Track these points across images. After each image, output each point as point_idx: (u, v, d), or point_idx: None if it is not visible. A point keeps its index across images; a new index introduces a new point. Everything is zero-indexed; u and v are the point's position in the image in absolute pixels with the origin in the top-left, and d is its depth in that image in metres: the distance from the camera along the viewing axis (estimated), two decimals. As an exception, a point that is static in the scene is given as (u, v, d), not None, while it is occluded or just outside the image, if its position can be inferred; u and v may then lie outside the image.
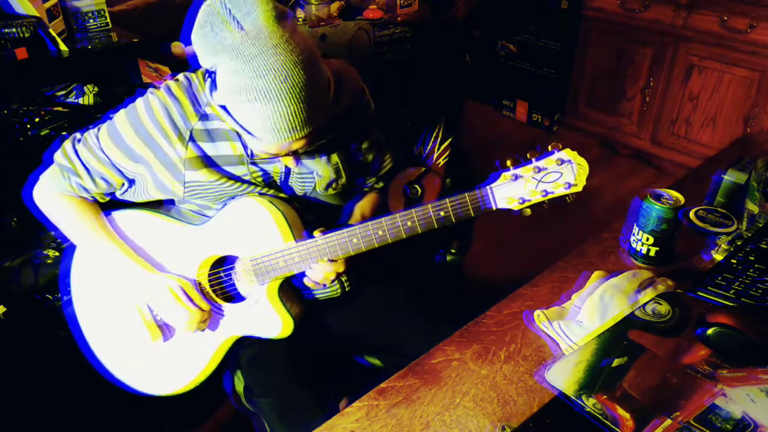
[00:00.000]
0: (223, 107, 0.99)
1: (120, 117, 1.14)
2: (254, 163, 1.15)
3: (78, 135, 1.19)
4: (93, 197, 1.22)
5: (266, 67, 0.91)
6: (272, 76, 0.91)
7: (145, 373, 1.29)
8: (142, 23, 2.10)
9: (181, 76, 1.14)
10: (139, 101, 1.13)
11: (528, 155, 1.02)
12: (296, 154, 1.09)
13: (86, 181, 1.18)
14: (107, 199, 1.24)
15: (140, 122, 1.11)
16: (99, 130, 1.16)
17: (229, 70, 0.93)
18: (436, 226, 1.07)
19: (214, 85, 1.00)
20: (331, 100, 1.03)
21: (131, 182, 1.20)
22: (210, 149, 1.13)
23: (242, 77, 0.92)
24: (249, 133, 0.99)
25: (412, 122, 1.73)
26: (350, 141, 1.23)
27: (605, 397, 0.85)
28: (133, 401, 1.33)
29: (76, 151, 1.17)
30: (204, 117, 1.12)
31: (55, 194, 1.22)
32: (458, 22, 3.56)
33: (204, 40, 0.95)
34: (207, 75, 1.03)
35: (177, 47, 2.05)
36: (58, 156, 1.19)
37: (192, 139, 1.11)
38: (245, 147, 1.13)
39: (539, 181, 1.02)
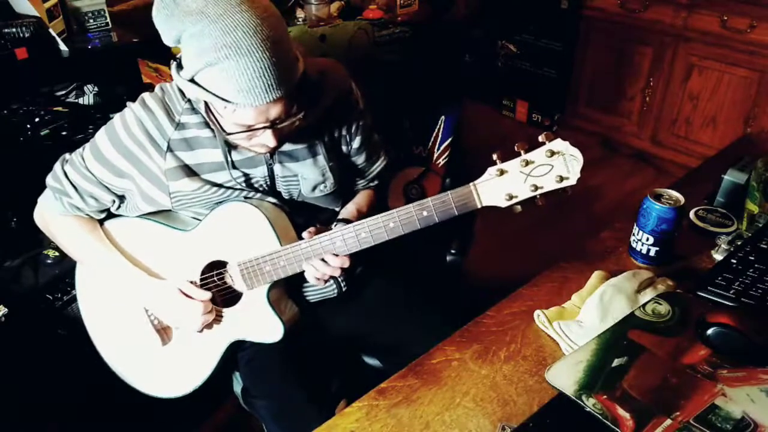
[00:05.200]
0: (192, 82, 0.97)
1: (100, 134, 1.14)
2: (236, 168, 1.14)
3: (66, 156, 1.20)
4: (87, 215, 1.23)
5: (234, 24, 0.90)
6: (241, 32, 0.90)
7: (145, 377, 1.30)
8: (142, 23, 2.10)
9: (156, 88, 1.14)
10: (116, 117, 1.13)
11: (516, 147, 0.97)
12: (274, 129, 1.02)
13: (77, 201, 1.18)
14: (102, 215, 1.24)
15: (118, 138, 1.11)
16: (84, 149, 1.17)
17: (196, 34, 0.92)
18: (420, 226, 1.03)
19: (179, 66, 0.99)
20: (303, 77, 1.01)
21: (122, 198, 1.20)
22: (189, 158, 1.12)
23: (210, 37, 0.91)
24: (223, 100, 0.95)
25: (412, 122, 1.73)
26: (338, 140, 1.22)
27: (605, 397, 0.85)
28: (133, 402, 1.33)
29: (65, 172, 1.17)
30: (180, 126, 1.11)
31: (51, 215, 1.23)
32: (458, 22, 3.56)
33: (166, 12, 0.94)
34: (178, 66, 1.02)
35: (177, 47, 2.04)
36: (49, 179, 1.20)
37: (170, 149, 1.11)
38: (225, 153, 1.11)
39: (528, 175, 0.96)
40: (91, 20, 1.93)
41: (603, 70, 3.22)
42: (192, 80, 0.97)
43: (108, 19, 1.96)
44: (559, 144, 0.95)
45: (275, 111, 0.99)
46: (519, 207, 0.99)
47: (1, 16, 1.70)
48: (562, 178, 0.96)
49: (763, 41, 2.63)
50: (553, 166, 0.95)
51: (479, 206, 1.00)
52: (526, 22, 3.41)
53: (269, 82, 0.93)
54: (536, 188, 0.97)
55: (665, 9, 2.87)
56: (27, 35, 1.67)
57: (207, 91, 0.96)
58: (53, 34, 1.77)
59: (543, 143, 0.96)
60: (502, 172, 0.97)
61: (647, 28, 2.96)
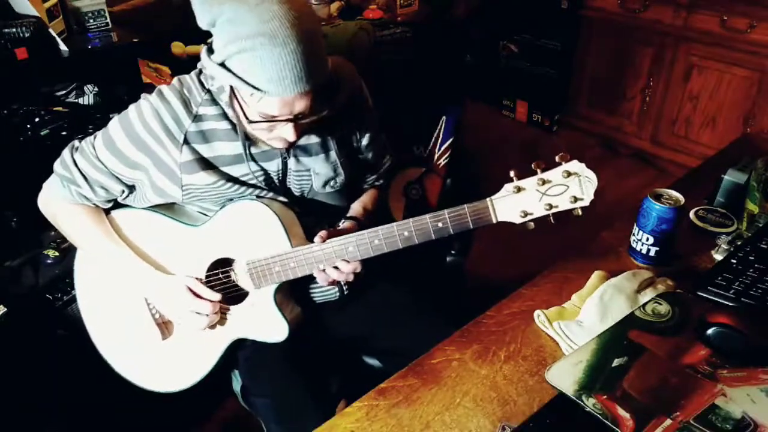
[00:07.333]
0: (222, 66, 0.97)
1: (114, 124, 1.13)
2: (254, 161, 1.14)
3: (76, 143, 1.18)
4: (94, 204, 1.22)
5: (272, 14, 0.91)
6: (278, 22, 0.91)
7: (143, 370, 1.29)
8: (142, 23, 2.10)
9: (174, 80, 1.13)
10: (132, 107, 1.12)
11: (533, 166, 0.98)
12: (296, 123, 1.03)
13: (85, 190, 1.17)
14: (109, 205, 1.23)
15: (132, 129, 1.10)
16: (95, 138, 1.16)
17: (233, 19, 0.93)
18: (434, 237, 1.04)
19: (210, 50, 0.99)
20: (329, 83, 1.02)
21: (131, 189, 1.19)
22: (206, 151, 1.12)
23: (247, 24, 0.92)
24: (252, 87, 0.95)
25: (413, 122, 1.73)
26: (349, 137, 1.22)
27: (605, 397, 0.85)
28: (134, 401, 1.33)
29: (74, 161, 1.16)
30: (197, 118, 1.11)
31: (57, 203, 1.22)
32: (458, 22, 3.56)
33: None
34: (199, 73, 1.05)
35: (177, 47, 2.05)
36: (57, 166, 1.18)
37: (186, 141, 1.10)
38: (245, 145, 1.12)
39: (543, 194, 0.97)
40: (91, 20, 1.93)
41: (603, 70, 3.22)
42: (222, 64, 0.97)
43: (108, 19, 1.96)
44: (575, 165, 0.97)
45: (300, 105, 1.00)
46: (532, 224, 1.00)
47: (1, 16, 1.70)
48: (576, 199, 0.97)
49: (763, 41, 2.63)
50: (569, 186, 0.97)
51: (494, 221, 1.01)
52: (526, 22, 3.41)
53: (300, 74, 0.94)
54: (551, 207, 0.98)
55: (665, 9, 2.87)
56: (27, 35, 1.67)
57: (236, 76, 0.96)
58: (53, 34, 1.77)
59: (560, 163, 0.97)
60: (519, 189, 0.98)
61: (647, 28, 2.96)
